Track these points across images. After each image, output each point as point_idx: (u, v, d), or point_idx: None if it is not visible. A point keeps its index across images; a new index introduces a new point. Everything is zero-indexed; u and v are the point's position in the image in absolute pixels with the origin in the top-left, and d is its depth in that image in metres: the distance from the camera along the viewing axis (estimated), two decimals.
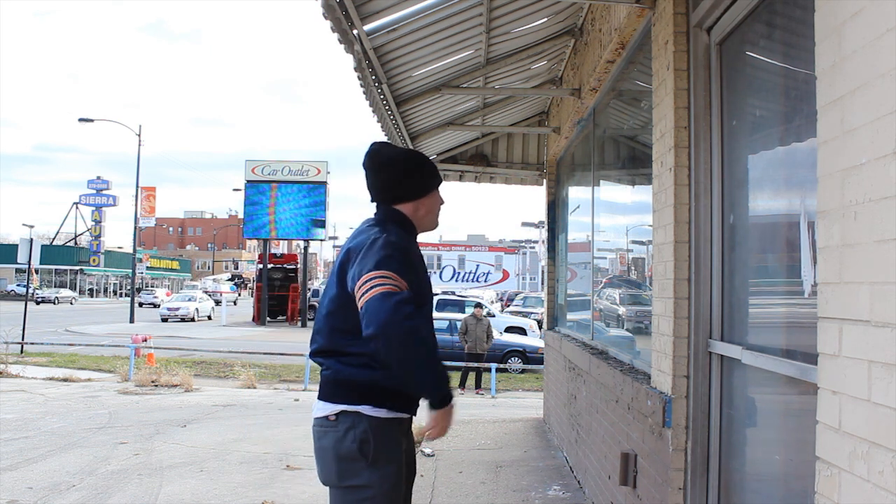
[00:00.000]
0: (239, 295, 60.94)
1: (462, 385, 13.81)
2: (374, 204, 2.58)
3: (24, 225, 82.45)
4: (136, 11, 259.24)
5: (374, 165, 2.53)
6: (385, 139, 6.99)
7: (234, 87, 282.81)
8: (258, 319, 32.62)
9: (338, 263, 2.42)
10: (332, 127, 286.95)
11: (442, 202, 2.63)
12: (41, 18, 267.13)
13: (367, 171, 2.54)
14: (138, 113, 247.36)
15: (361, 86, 5.13)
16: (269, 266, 33.81)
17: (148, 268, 59.47)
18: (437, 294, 25.11)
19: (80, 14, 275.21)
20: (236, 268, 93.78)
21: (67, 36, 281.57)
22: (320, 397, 2.40)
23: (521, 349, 16.96)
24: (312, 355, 2.47)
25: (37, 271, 48.89)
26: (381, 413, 2.34)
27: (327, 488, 2.44)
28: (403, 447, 2.44)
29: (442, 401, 2.29)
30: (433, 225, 2.62)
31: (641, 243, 4.72)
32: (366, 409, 2.32)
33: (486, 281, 52.65)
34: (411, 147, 7.71)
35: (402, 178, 2.51)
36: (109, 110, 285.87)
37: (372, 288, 2.17)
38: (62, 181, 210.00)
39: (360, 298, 2.20)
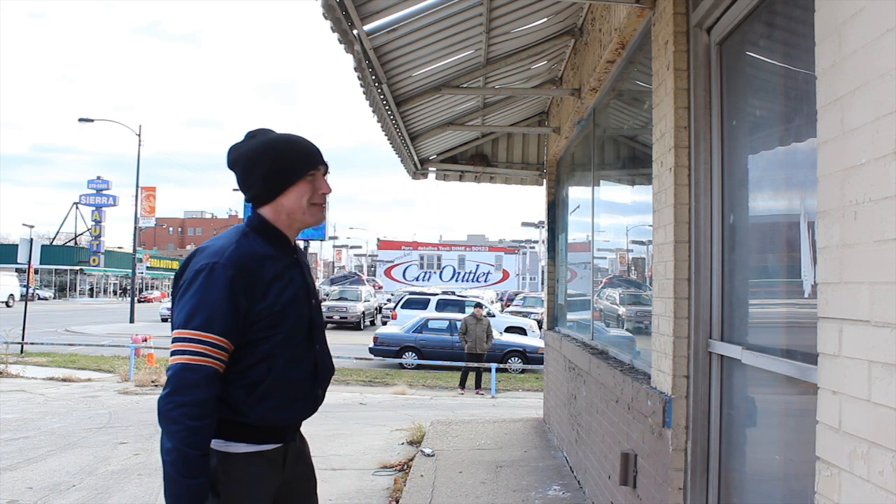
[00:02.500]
0: None
1: (462, 385, 13.82)
2: None
3: (24, 225, 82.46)
4: (130, 13, 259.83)
5: (229, 163, 2.19)
6: (385, 139, 6.99)
7: (228, 89, 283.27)
8: None
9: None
10: (329, 128, 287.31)
11: (316, 193, 2.19)
12: (36, 19, 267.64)
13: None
14: (133, 115, 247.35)
15: (361, 86, 5.13)
16: None
17: (148, 268, 59.45)
18: (437, 294, 25.17)
19: (75, 15, 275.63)
20: None
21: (62, 37, 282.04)
22: None
23: (521, 349, 16.97)
24: None
25: (37, 271, 48.90)
26: (234, 448, 2.08)
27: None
28: (268, 481, 2.13)
29: None
30: (308, 222, 2.21)
31: (641, 243, 4.72)
32: (218, 444, 2.05)
33: (486, 281, 52.69)
34: (411, 146, 7.72)
35: (246, 178, 2.16)
36: (104, 112, 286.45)
37: (174, 353, 1.97)
38: (60, 181, 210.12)
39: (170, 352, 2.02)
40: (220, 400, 2.02)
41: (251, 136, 2.20)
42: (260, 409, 2.08)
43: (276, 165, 2.14)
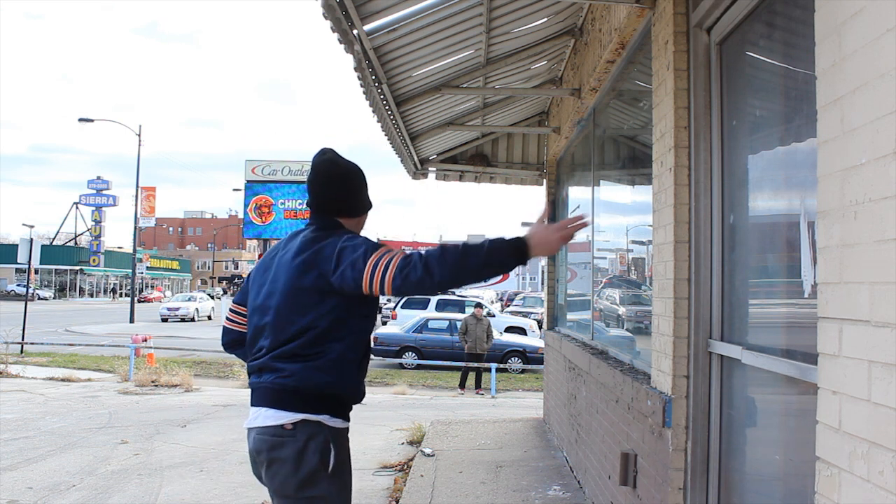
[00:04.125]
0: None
1: (462, 385, 13.82)
2: (313, 214, 2.47)
3: (24, 225, 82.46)
4: (129, 13, 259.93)
5: (332, 175, 2.45)
6: (385, 139, 7.00)
7: (228, 89, 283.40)
8: None
9: (296, 264, 2.32)
10: (328, 128, 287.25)
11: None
12: (33, 20, 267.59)
13: (323, 179, 2.44)
14: (133, 115, 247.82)
15: (361, 86, 5.13)
16: None
17: (148, 268, 59.46)
18: (436, 294, 25.15)
19: (73, 16, 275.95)
20: (236, 268, 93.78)
21: (61, 38, 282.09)
22: (271, 405, 2.30)
23: (521, 349, 16.96)
24: (271, 357, 2.33)
25: (37, 271, 48.89)
26: (338, 423, 2.33)
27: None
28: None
29: (520, 252, 2.17)
30: None
31: (641, 243, 4.72)
32: (326, 419, 2.29)
33: (485, 281, 52.60)
34: (411, 146, 7.72)
35: (355, 192, 2.49)
36: (104, 112, 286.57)
37: (392, 259, 2.18)
38: (59, 182, 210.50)
39: (381, 275, 2.17)
40: (333, 375, 2.29)
41: (327, 152, 2.51)
42: (362, 384, 2.42)
43: (367, 190, 2.56)
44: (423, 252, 2.16)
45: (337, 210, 2.46)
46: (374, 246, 2.25)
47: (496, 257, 2.15)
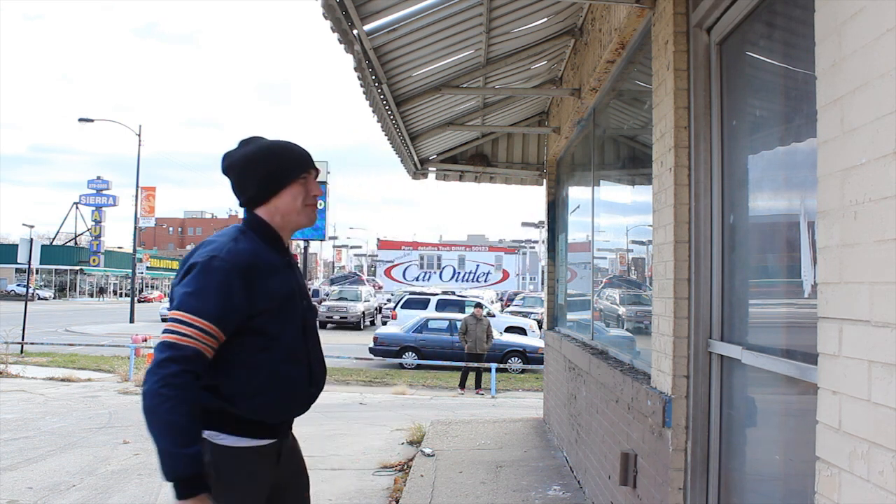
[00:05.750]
0: None
1: (462, 385, 13.82)
2: None
3: (24, 225, 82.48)
4: (129, 13, 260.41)
5: (223, 169, 2.29)
6: (385, 139, 7.00)
7: (227, 89, 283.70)
8: None
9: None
10: (327, 128, 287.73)
11: (308, 195, 2.28)
12: (32, 21, 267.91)
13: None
14: (132, 115, 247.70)
15: (361, 86, 5.13)
16: None
17: (148, 268, 59.44)
18: (437, 294, 25.17)
19: (72, 17, 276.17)
20: None
21: (60, 38, 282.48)
22: None
23: (521, 349, 16.97)
24: None
25: (37, 271, 48.88)
26: (227, 441, 2.11)
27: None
28: (260, 477, 2.18)
29: (182, 488, 1.89)
30: (303, 222, 2.30)
31: (641, 243, 4.72)
32: (211, 436, 2.09)
33: (486, 281, 52.70)
34: (411, 146, 7.72)
35: (241, 182, 2.25)
36: (103, 112, 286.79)
37: (164, 332, 2.02)
38: (59, 182, 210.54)
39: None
40: (214, 390, 2.09)
41: (245, 143, 2.31)
42: (254, 402, 2.13)
43: (271, 168, 2.24)
44: (167, 381, 1.94)
45: (245, 204, 2.28)
46: (192, 298, 2.03)
47: (162, 441, 1.91)
